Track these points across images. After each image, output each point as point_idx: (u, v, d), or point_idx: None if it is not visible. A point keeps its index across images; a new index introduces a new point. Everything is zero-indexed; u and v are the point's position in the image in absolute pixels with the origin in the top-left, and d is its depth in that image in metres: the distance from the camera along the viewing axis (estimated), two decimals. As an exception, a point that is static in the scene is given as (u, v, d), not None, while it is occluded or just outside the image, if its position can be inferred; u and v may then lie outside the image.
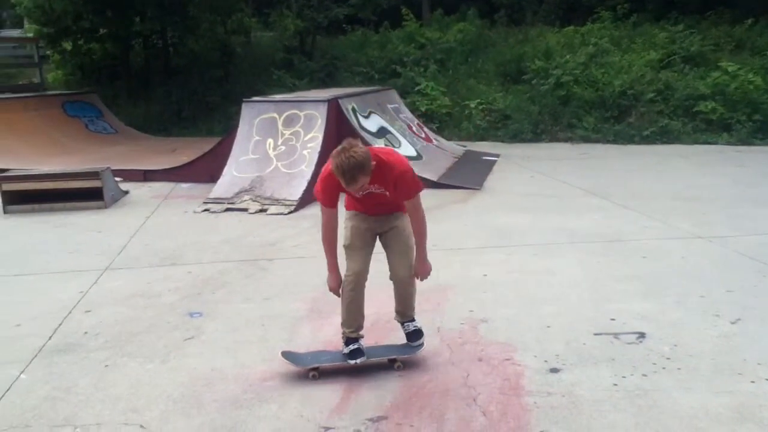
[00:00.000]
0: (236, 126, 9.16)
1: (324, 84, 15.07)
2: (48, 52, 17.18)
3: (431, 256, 3.76)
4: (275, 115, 9.04)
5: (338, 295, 3.72)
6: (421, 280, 3.78)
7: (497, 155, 11.49)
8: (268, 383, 3.62)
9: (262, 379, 3.67)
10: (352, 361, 3.67)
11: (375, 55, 16.25)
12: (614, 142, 12.81)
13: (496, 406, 3.33)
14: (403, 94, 13.83)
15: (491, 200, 8.21)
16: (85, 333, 4.36)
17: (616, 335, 4.14)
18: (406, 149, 10.09)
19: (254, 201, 7.99)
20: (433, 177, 9.16)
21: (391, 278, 3.73)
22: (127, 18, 15.91)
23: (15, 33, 21.81)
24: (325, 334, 4.23)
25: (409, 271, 3.70)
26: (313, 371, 3.67)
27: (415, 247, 3.70)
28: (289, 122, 8.95)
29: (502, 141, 13.35)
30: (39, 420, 3.30)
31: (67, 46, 16.80)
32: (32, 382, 3.70)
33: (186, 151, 11.40)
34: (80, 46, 16.87)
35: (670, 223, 6.87)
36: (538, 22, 17.41)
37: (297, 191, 8.01)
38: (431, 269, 3.77)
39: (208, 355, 3.96)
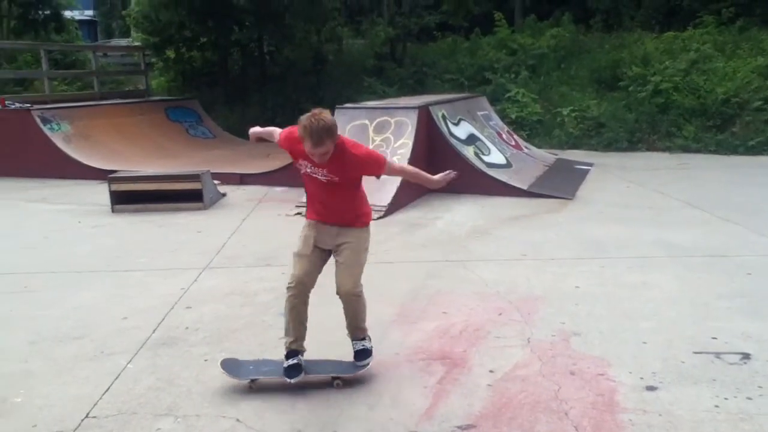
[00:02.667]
0: (328, 132, 9.32)
1: (413, 91, 15.16)
2: (153, 60, 18.15)
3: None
4: (366, 121, 9.19)
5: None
6: (442, 181, 3.89)
7: (591, 164, 11.20)
8: (358, 385, 3.69)
9: (352, 380, 3.73)
10: (289, 380, 3.59)
11: (465, 62, 16.17)
12: (716, 152, 12.21)
13: (589, 421, 3.25)
14: (493, 101, 13.69)
15: (584, 210, 8.00)
16: (186, 328, 4.58)
17: (717, 355, 3.95)
18: (495, 156, 10.01)
19: (344, 206, 8.11)
20: (522, 185, 9.05)
21: (336, 293, 3.62)
22: (226, 27, 16.59)
23: (123, 42, 23.24)
24: (413, 339, 4.29)
25: (354, 286, 3.60)
26: (251, 382, 3.66)
27: (364, 263, 3.70)
28: (380, 128, 9.06)
29: (596, 149, 13.01)
30: (144, 408, 3.49)
31: (171, 54, 17.70)
32: (138, 372, 3.92)
33: (280, 155, 11.68)
34: (182, 54, 17.75)
35: (778, 238, 6.49)
36: (636, 27, 16.82)
37: (387, 197, 8.06)
38: (444, 180, 3.87)
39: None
